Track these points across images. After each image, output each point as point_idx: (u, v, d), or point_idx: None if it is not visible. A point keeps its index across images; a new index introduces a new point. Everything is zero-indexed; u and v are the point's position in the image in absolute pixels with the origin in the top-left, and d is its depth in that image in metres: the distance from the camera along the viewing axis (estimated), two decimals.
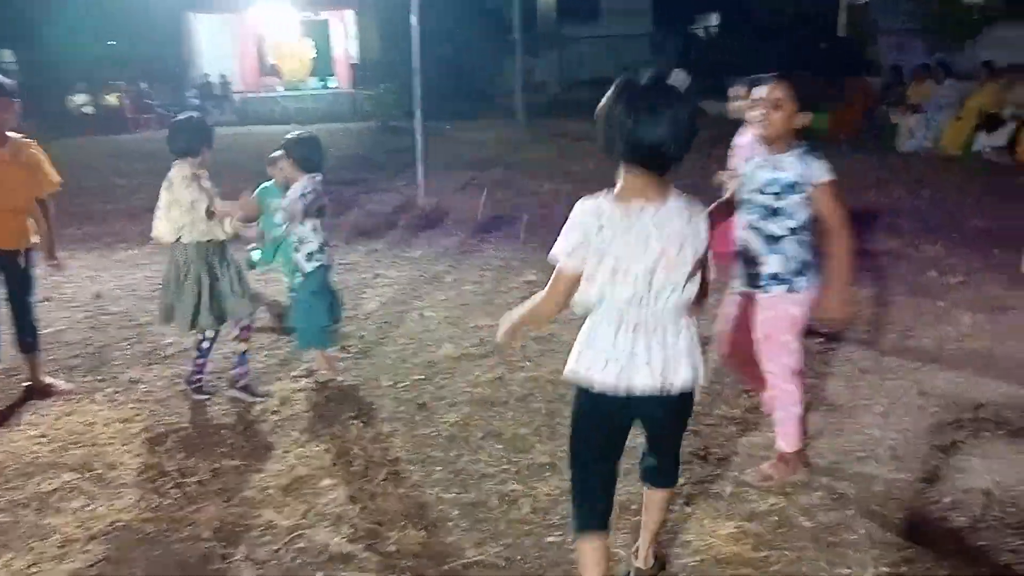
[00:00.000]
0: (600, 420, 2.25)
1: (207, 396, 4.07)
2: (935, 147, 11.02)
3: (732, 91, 5.10)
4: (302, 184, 3.96)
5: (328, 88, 20.85)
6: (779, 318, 3.01)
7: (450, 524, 2.99)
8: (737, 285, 3.14)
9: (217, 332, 4.06)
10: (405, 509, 3.08)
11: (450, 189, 9.71)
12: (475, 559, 2.77)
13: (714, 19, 30.41)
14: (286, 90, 20.62)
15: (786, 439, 3.15)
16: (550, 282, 2.18)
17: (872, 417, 3.72)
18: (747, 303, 3.13)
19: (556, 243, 2.13)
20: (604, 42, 25.89)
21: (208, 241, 3.87)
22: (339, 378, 4.27)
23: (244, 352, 4.11)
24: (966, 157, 10.42)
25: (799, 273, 2.98)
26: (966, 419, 3.66)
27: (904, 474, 3.22)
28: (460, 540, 2.88)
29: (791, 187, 2.93)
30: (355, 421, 3.82)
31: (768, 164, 2.98)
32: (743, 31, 26.96)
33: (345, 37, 21.10)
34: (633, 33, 26.91)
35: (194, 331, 3.98)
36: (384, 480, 3.29)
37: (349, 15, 20.86)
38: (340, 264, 6.57)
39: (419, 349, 4.75)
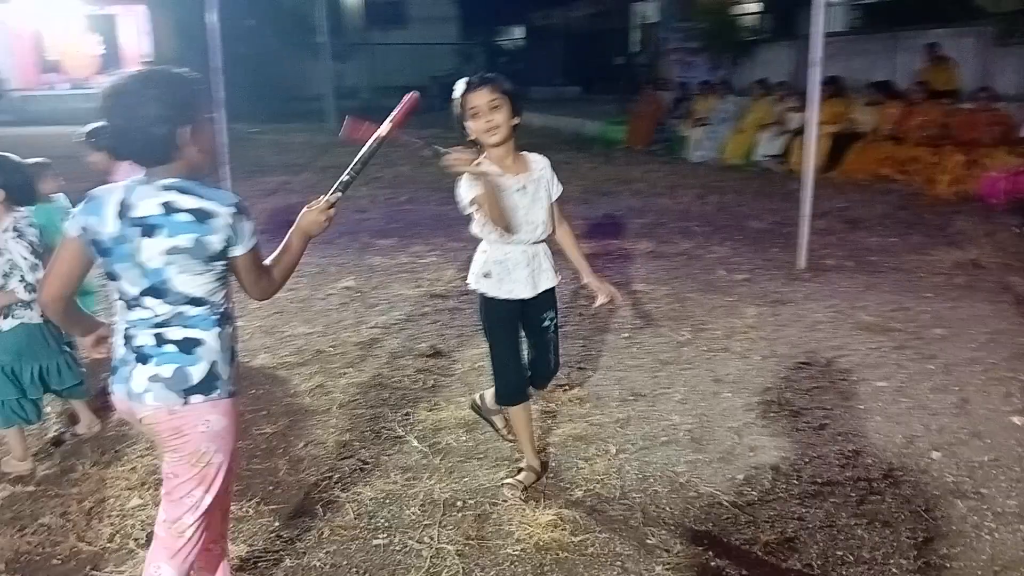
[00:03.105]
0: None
1: None
2: (720, 156, 12.03)
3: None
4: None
5: None
6: None
7: (271, 535, 2.91)
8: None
9: None
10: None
11: (260, 194, 9.39)
12: (298, 564, 2.72)
13: (518, 32, 31.37)
14: (73, 88, 19.00)
15: None
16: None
17: (672, 404, 4.02)
18: None
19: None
20: (412, 50, 25.99)
21: None
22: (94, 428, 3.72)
23: None
24: (747, 165, 11.46)
25: None
26: (754, 402, 4.03)
27: (703, 455, 3.50)
28: (283, 551, 2.81)
29: None
30: None
31: None
32: (546, 45, 28.06)
33: (137, 33, 19.80)
34: (441, 42, 27.22)
35: None
36: None
37: (141, 10, 19.60)
38: None
39: None
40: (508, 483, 3.18)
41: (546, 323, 3.12)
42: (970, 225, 7.52)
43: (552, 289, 3.10)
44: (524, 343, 3.15)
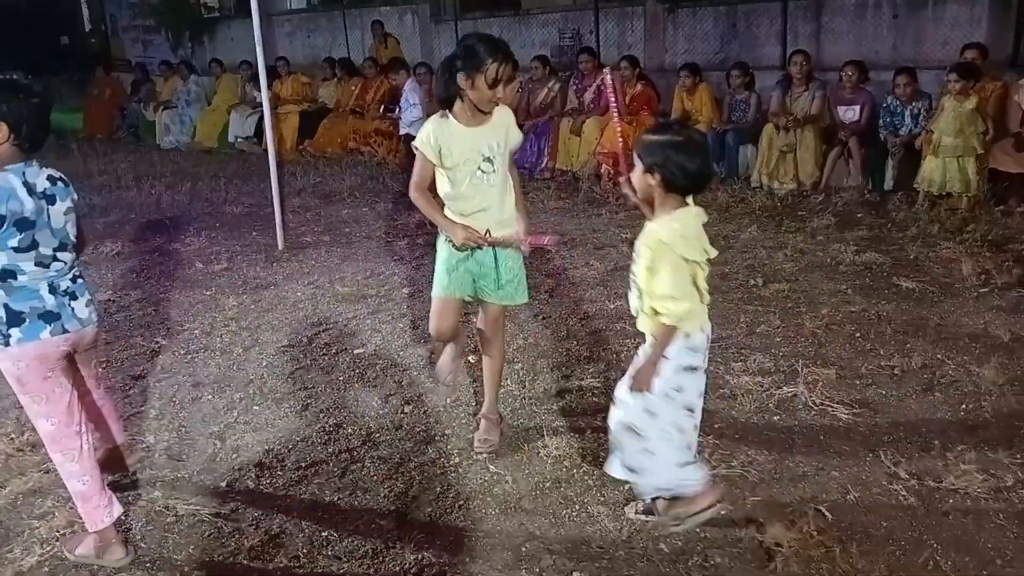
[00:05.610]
0: None
1: None
2: (192, 141, 11.45)
3: None
4: None
5: None
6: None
7: None
8: None
9: None
10: None
11: None
12: None
13: None
14: None
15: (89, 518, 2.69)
16: None
17: (148, 422, 3.68)
18: None
19: None
20: None
21: None
22: None
23: None
24: (222, 148, 11.09)
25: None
26: (237, 399, 3.89)
27: (182, 472, 3.26)
28: None
29: None
30: None
31: None
32: None
33: None
34: None
35: None
36: None
37: None
38: None
39: None
40: None
41: None
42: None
43: None
44: None
